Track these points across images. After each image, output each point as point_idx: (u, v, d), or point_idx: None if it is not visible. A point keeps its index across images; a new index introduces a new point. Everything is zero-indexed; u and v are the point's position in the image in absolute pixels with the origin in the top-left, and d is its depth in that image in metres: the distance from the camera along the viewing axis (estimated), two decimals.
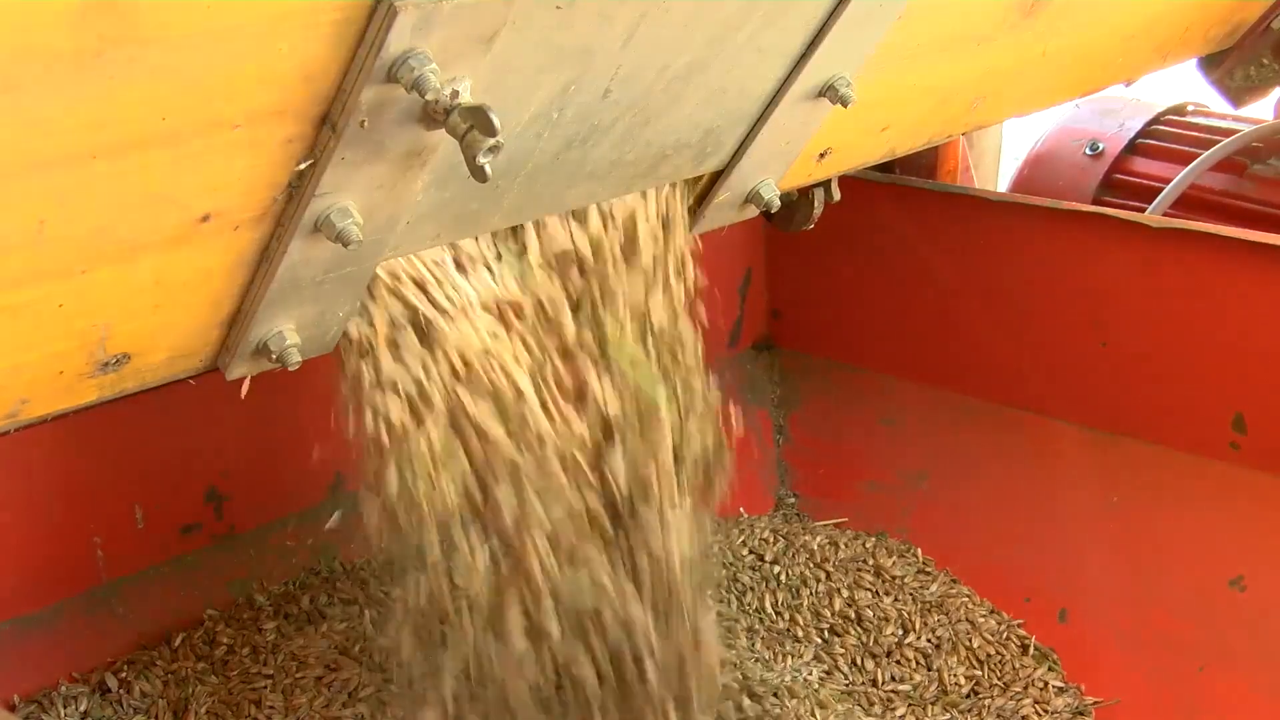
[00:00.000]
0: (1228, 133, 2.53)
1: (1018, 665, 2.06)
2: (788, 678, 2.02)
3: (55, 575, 1.88)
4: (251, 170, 1.12)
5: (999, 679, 2.04)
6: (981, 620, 2.12)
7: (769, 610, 2.16)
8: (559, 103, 1.30)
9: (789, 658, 2.06)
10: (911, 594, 2.17)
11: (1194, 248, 2.01)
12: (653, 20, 1.28)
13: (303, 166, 1.14)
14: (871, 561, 2.24)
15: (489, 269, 1.45)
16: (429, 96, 1.09)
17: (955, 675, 2.03)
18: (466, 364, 1.43)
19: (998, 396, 2.25)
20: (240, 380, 1.33)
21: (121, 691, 1.90)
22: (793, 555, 2.26)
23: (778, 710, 1.95)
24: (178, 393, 1.37)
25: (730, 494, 1.71)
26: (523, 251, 1.48)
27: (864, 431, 2.42)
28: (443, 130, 1.12)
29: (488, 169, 1.11)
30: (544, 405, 1.49)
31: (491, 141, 1.10)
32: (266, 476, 2.05)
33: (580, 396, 1.54)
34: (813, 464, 2.48)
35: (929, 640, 2.09)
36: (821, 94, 1.56)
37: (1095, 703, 2.01)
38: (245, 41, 1.00)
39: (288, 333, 1.30)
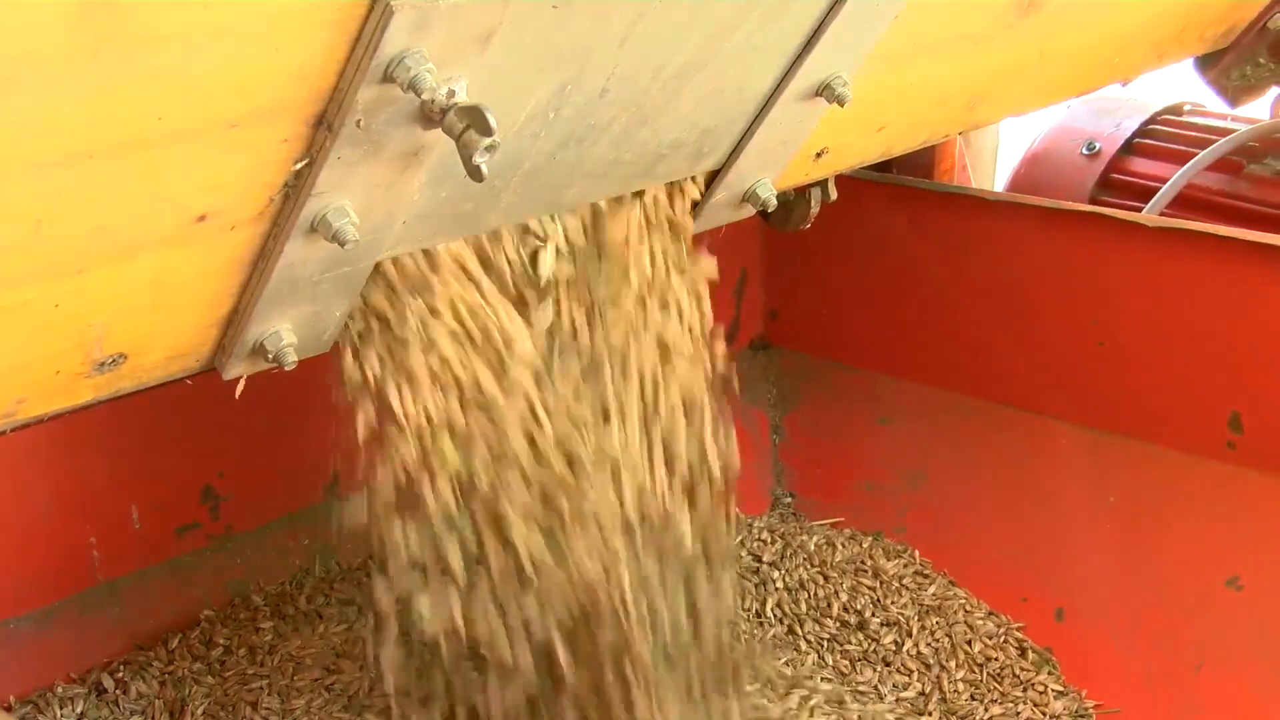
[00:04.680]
0: (1224, 132, 2.53)
1: (1017, 669, 2.06)
2: (790, 682, 2.02)
3: (51, 576, 1.88)
4: (248, 170, 1.12)
5: (998, 683, 2.04)
6: (979, 623, 2.12)
7: (769, 614, 2.16)
8: (556, 102, 1.30)
9: (790, 667, 2.06)
10: (910, 597, 2.17)
11: (1191, 247, 2.01)
12: (650, 20, 1.28)
13: (299, 166, 1.14)
14: (869, 563, 2.24)
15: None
16: (425, 96, 1.09)
17: (955, 681, 2.03)
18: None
19: (994, 396, 2.25)
20: (236, 379, 1.33)
21: (118, 692, 1.90)
22: (790, 556, 2.26)
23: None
24: (174, 393, 1.37)
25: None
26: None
27: (861, 431, 2.42)
28: (439, 130, 1.12)
29: (484, 168, 1.11)
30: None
31: (488, 141, 1.10)
32: (263, 476, 2.05)
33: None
34: (809, 463, 2.48)
35: (928, 645, 2.09)
36: (818, 93, 1.56)
37: (1095, 705, 2.01)
38: (242, 41, 1.00)
39: (284, 332, 1.30)
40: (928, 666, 2.06)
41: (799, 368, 2.52)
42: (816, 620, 2.14)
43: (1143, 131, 2.65)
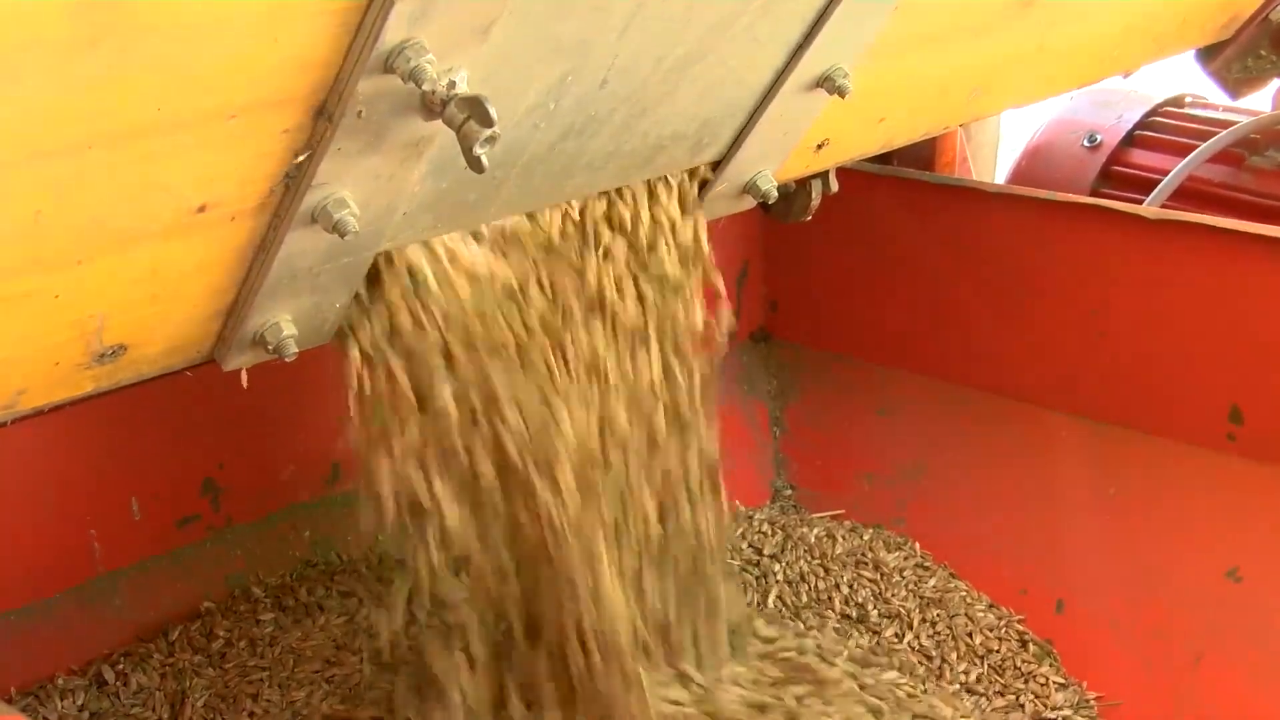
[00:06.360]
0: (1226, 124, 2.53)
1: (1018, 661, 2.06)
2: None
3: (51, 568, 1.88)
4: (248, 161, 1.12)
5: (999, 675, 2.04)
6: (980, 615, 2.12)
7: (770, 606, 2.16)
8: (556, 93, 1.30)
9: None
10: (911, 589, 2.17)
11: (1192, 239, 2.01)
12: (650, 10, 1.28)
13: (300, 158, 1.14)
14: (870, 555, 2.24)
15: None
16: (426, 87, 1.09)
17: (956, 674, 2.03)
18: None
19: (995, 388, 2.25)
20: (236, 371, 1.33)
21: (118, 684, 1.90)
22: (791, 549, 2.26)
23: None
24: (174, 384, 1.37)
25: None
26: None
27: (861, 423, 2.42)
28: (440, 121, 1.11)
29: (484, 159, 1.11)
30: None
31: (488, 132, 1.10)
32: (263, 468, 2.05)
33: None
34: (810, 456, 2.48)
35: (929, 637, 2.09)
36: (819, 85, 1.56)
37: (1096, 697, 2.02)
38: (242, 31, 1.00)
39: (284, 323, 1.30)
40: (929, 658, 2.06)
41: (799, 360, 2.52)
42: (818, 613, 2.14)
43: (1144, 123, 2.65)
